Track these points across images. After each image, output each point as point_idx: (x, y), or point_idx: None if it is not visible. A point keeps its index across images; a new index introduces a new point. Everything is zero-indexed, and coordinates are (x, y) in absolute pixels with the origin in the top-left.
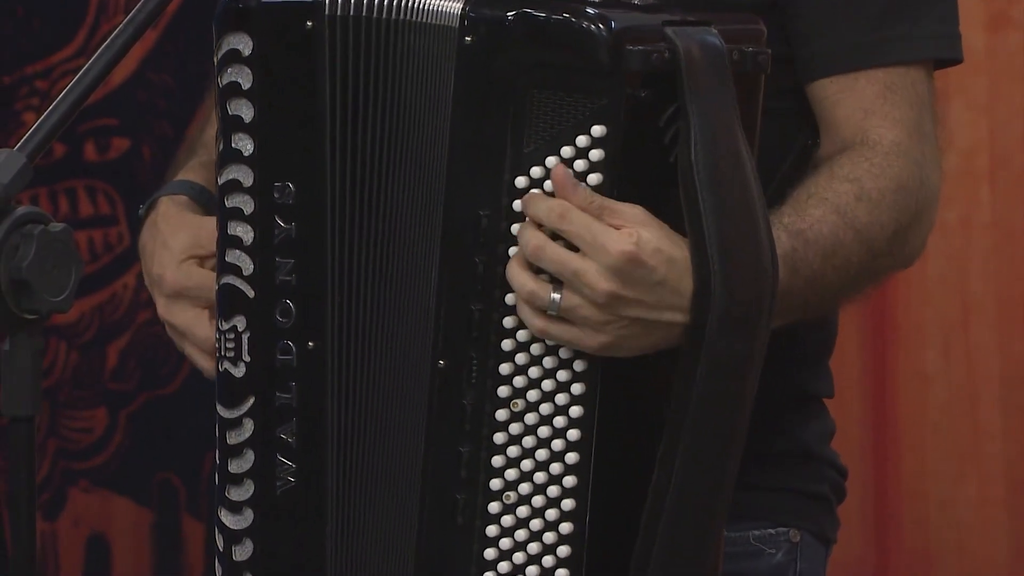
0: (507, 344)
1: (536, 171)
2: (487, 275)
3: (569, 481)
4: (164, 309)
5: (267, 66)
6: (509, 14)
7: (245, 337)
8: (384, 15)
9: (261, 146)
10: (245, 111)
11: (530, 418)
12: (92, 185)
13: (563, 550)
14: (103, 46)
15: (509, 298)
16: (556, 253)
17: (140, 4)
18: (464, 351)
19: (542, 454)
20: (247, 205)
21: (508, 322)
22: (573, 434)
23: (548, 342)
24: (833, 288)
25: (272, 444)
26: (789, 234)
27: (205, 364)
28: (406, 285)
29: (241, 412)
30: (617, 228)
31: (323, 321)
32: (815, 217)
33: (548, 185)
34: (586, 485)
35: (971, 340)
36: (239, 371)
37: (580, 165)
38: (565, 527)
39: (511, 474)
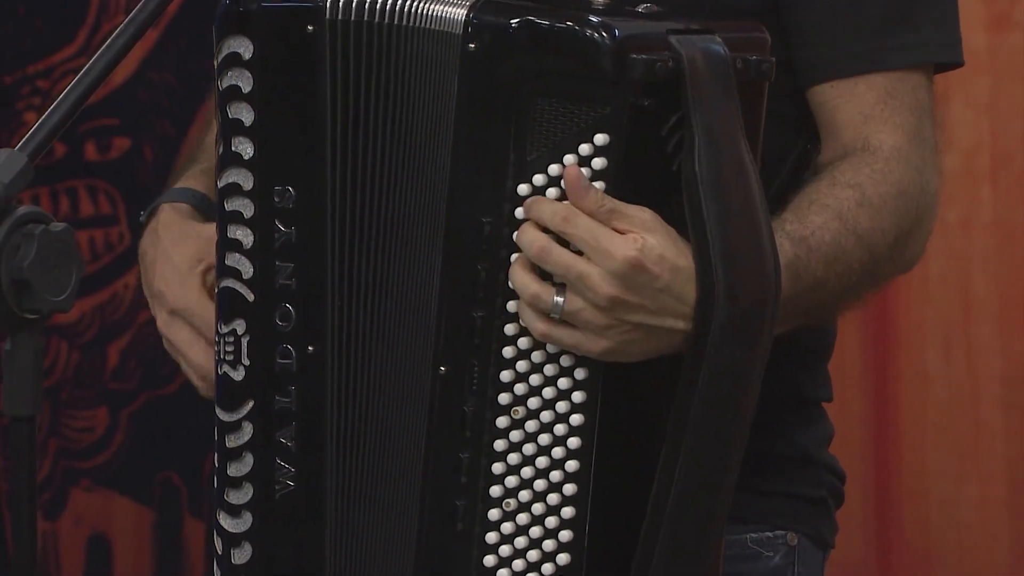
0: (508, 351)
1: (539, 178)
2: (489, 282)
3: (569, 489)
4: (163, 324)
5: (267, 70)
6: (513, 21)
7: (245, 341)
8: (387, 20)
9: (261, 150)
10: (245, 115)
11: (531, 425)
12: (93, 185)
13: (562, 558)
14: (104, 46)
15: (511, 305)
16: (561, 255)
17: (141, 4)
18: (465, 357)
19: (542, 461)
20: (247, 209)
21: (510, 329)
22: (573, 442)
23: (549, 349)
24: (835, 294)
25: (271, 448)
26: (792, 241)
27: (200, 384)
28: (407, 290)
29: (240, 416)
30: (623, 233)
31: (323, 325)
32: (817, 224)
33: (551, 193)
34: (586, 493)
35: (972, 340)
36: (238, 375)
37: (583, 173)
38: (565, 535)
39: (511, 481)
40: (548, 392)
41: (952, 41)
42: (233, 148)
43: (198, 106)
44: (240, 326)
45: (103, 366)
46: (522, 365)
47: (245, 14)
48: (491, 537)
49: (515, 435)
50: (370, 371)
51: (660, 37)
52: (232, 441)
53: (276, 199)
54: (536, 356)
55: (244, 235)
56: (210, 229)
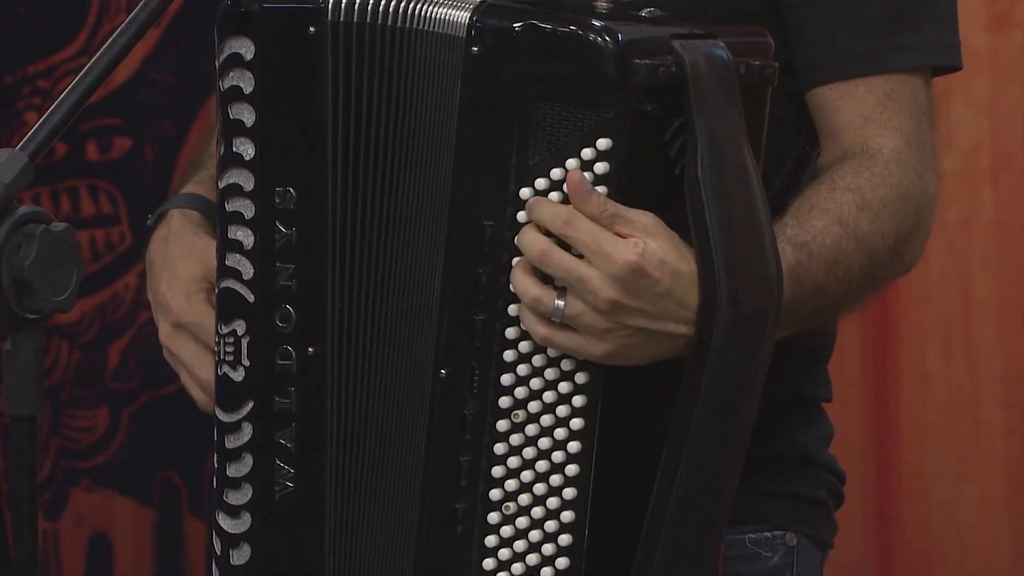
0: (509, 355)
1: (541, 183)
2: (490, 285)
3: (569, 493)
4: (166, 336)
5: (269, 70)
6: (516, 25)
7: (245, 341)
8: (389, 22)
9: (262, 150)
10: (246, 115)
11: (531, 429)
12: (94, 184)
13: (562, 562)
14: (105, 45)
15: (512, 309)
16: (561, 258)
17: (142, 3)
18: (466, 361)
19: (542, 465)
20: (248, 209)
21: (511, 333)
22: (574, 446)
23: (550, 353)
24: (836, 298)
25: (271, 449)
26: (793, 246)
27: (203, 399)
28: (408, 293)
29: (240, 416)
30: (625, 237)
31: (323, 327)
32: (818, 228)
33: (553, 196)
34: (586, 497)
35: (972, 340)
36: (238, 375)
37: (586, 178)
38: (564, 539)
39: (511, 485)
40: (549, 396)
41: (951, 44)
42: (234, 149)
43: (199, 106)
44: (240, 327)
45: (104, 366)
46: (523, 369)
47: (246, 15)
48: (490, 540)
49: (515, 438)
50: (370, 373)
51: (663, 41)
52: (232, 442)
53: (277, 200)
54: (537, 360)
55: (245, 236)
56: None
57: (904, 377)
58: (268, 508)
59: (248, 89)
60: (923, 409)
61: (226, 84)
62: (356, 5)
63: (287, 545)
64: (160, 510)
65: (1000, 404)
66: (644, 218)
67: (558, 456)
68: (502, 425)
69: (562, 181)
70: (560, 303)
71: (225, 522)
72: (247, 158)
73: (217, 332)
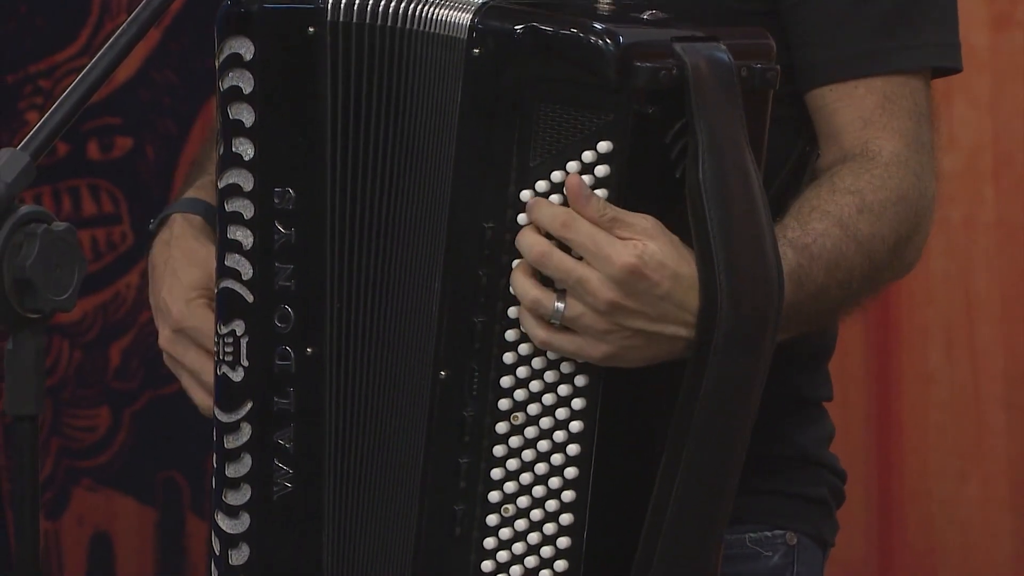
0: (508, 357)
1: (541, 185)
2: (490, 287)
3: (568, 495)
4: (166, 341)
5: (268, 71)
6: (518, 27)
7: (244, 341)
8: (389, 23)
9: (261, 151)
10: (246, 115)
11: (530, 431)
12: (95, 184)
13: (560, 564)
14: (106, 45)
15: (512, 311)
16: (560, 260)
17: (144, 3)
18: (466, 362)
19: (541, 468)
20: (247, 209)
21: (510, 335)
22: (573, 448)
23: (550, 355)
24: (836, 301)
25: (269, 449)
26: (795, 249)
27: (204, 404)
28: (408, 294)
29: (239, 416)
30: (625, 240)
31: (322, 327)
32: (819, 231)
33: (553, 199)
34: (584, 500)
35: (974, 339)
36: (237, 375)
37: (586, 180)
38: (563, 541)
39: (510, 487)
40: (548, 398)
41: (951, 46)
42: (234, 149)
43: (200, 105)
44: (239, 327)
45: (105, 365)
46: (522, 371)
47: (246, 15)
48: (489, 542)
49: (514, 441)
50: (369, 374)
51: (664, 44)
52: (231, 441)
53: (276, 200)
54: (536, 362)
55: (244, 236)
56: None
57: (906, 377)
58: (267, 508)
59: (248, 89)
60: (925, 409)
61: (226, 84)
62: (356, 5)
63: (286, 545)
64: (162, 510)
65: (1002, 404)
66: (644, 221)
67: (557, 459)
68: (501, 427)
69: (563, 183)
70: (560, 305)
71: (224, 522)
72: (246, 158)
73: (216, 332)
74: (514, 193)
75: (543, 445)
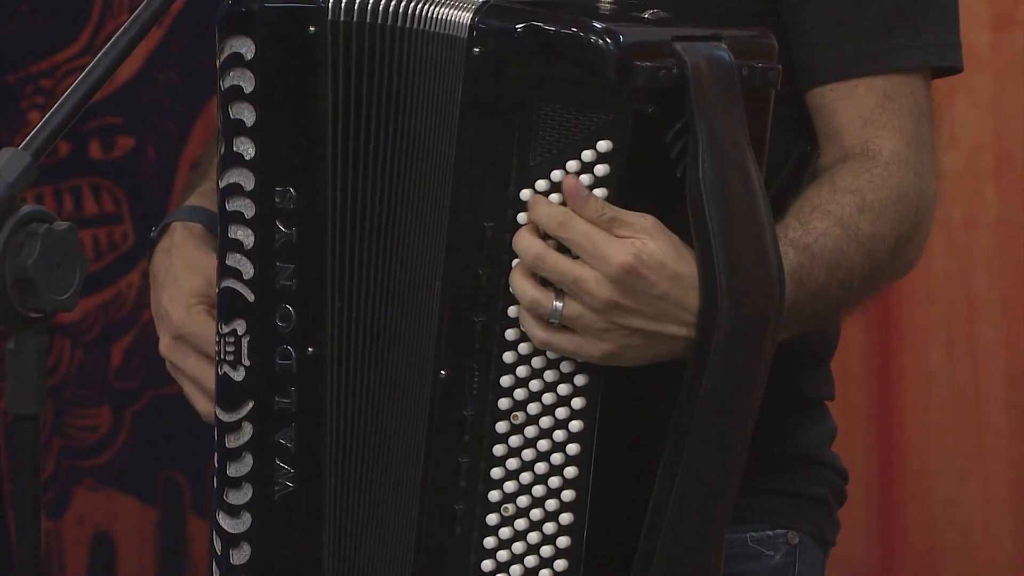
0: (509, 356)
1: (541, 184)
2: (490, 286)
3: (568, 495)
4: (167, 348)
5: (269, 70)
6: (518, 26)
7: (245, 341)
8: (390, 22)
9: (262, 150)
10: (247, 115)
11: (530, 431)
12: (97, 183)
13: (560, 564)
14: (108, 44)
15: (512, 310)
16: (555, 261)
17: (145, 2)
18: (466, 362)
19: (541, 467)
20: (248, 209)
21: (510, 334)
22: (573, 448)
23: (550, 355)
24: (837, 300)
25: (271, 449)
26: (796, 249)
27: (206, 410)
28: (408, 293)
29: (240, 416)
30: (623, 239)
31: (323, 327)
32: (820, 231)
33: (553, 198)
34: (584, 499)
35: (976, 339)
36: (238, 375)
37: (586, 180)
38: (563, 541)
39: (510, 486)
40: (548, 398)
41: (952, 45)
42: (234, 148)
43: (201, 105)
44: (240, 326)
45: (106, 365)
46: (522, 370)
47: (247, 14)
48: (489, 542)
49: (514, 440)
50: (370, 373)
51: (665, 44)
52: (232, 441)
53: (277, 200)
54: (536, 361)
55: (245, 235)
56: None
57: (907, 377)
58: (268, 508)
59: (248, 89)
60: (926, 409)
61: (226, 84)
62: (356, 5)
63: (287, 545)
64: (163, 509)
65: (1003, 404)
66: (643, 220)
67: (557, 458)
68: (501, 427)
69: (562, 183)
70: (558, 304)
71: (225, 522)
72: (247, 158)
73: (217, 331)
74: (514, 192)
75: (543, 444)
